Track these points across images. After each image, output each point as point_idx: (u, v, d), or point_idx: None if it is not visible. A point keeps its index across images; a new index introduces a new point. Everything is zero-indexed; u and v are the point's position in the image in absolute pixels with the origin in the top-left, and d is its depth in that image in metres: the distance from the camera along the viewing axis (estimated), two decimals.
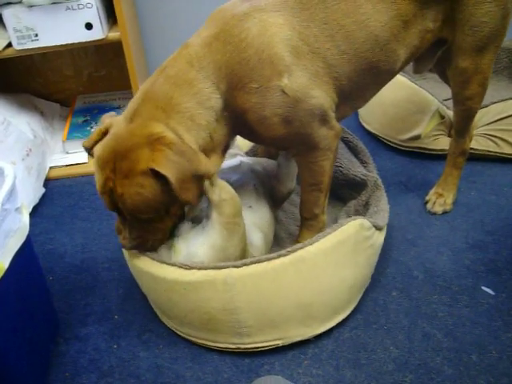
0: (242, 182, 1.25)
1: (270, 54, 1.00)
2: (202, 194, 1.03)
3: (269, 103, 1.02)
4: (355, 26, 1.06)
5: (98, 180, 1.01)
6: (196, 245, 1.07)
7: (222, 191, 1.05)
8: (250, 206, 1.20)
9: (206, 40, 1.02)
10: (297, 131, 1.07)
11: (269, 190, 1.29)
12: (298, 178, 1.27)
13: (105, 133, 1.02)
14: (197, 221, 1.12)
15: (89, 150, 1.05)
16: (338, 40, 1.05)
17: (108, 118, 1.05)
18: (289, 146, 1.15)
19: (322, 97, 1.06)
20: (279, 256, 1.04)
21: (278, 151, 1.36)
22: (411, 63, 1.31)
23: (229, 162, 1.31)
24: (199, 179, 0.98)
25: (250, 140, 1.20)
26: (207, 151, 1.04)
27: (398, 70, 1.20)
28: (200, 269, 1.04)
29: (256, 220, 1.19)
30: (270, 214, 1.26)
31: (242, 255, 1.10)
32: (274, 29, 1.01)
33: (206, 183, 1.03)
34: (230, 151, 1.43)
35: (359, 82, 1.13)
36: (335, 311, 1.15)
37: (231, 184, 1.09)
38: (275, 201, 1.31)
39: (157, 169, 0.93)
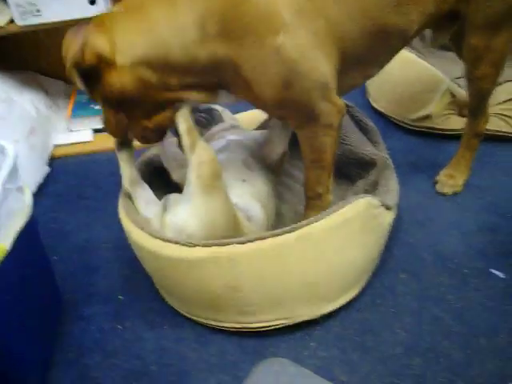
0: (229, 159, 1.22)
1: (267, 10, 0.96)
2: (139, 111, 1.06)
3: (262, 61, 0.98)
4: None
5: None
6: (182, 215, 1.06)
7: (202, 151, 1.03)
8: (244, 180, 1.18)
9: None
10: (294, 98, 1.03)
11: (263, 161, 1.26)
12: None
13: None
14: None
15: None
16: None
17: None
18: (287, 116, 1.11)
19: (322, 60, 1.02)
20: (284, 232, 1.02)
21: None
22: (429, 34, 1.26)
23: (216, 142, 1.28)
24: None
25: (245, 99, 1.12)
26: (161, 69, 1.01)
27: (412, 36, 1.16)
28: (204, 246, 1.02)
29: (253, 191, 1.17)
30: (268, 185, 1.24)
31: (234, 227, 1.08)
32: None
33: (186, 142, 1.03)
34: (225, 125, 1.41)
35: (367, 46, 1.08)
36: (342, 291, 1.13)
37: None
38: (270, 169, 1.28)
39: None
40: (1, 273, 0.89)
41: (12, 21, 1.63)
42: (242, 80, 1.02)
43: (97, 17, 1.02)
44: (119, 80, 1.00)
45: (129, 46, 0.98)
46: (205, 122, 1.42)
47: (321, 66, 1.02)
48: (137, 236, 1.11)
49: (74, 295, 1.26)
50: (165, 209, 1.09)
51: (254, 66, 0.99)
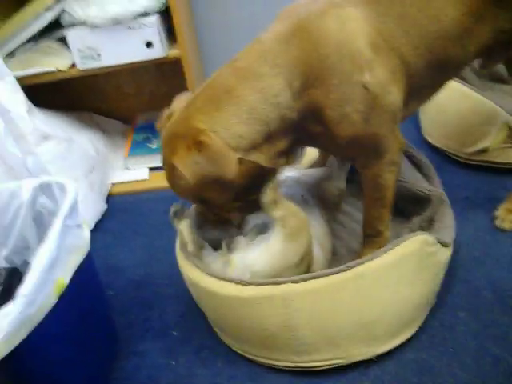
0: (288, 194, 1.22)
1: (350, 50, 0.97)
2: (234, 196, 1.04)
3: (350, 99, 0.99)
4: (428, 20, 1.03)
5: None
6: (254, 254, 1.05)
7: (285, 208, 1.04)
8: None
9: (282, 36, 1.00)
10: (373, 132, 1.03)
11: (320, 197, 1.26)
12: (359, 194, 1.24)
13: (169, 116, 1.08)
14: (252, 235, 1.11)
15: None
16: (413, 35, 1.02)
17: (177, 100, 1.11)
18: (358, 154, 1.10)
19: (397, 94, 1.04)
20: (339, 271, 1.01)
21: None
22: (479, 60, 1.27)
23: (288, 175, 1.29)
24: (226, 183, 0.98)
25: (319, 146, 1.16)
26: (262, 145, 1.02)
27: (466, 65, 1.17)
28: (258, 285, 1.02)
29: (315, 234, 1.17)
30: (324, 223, 1.24)
31: (304, 265, 1.08)
32: (353, 24, 0.99)
33: (268, 200, 1.02)
34: None
35: (428, 78, 1.10)
36: (398, 330, 1.10)
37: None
38: (328, 206, 1.28)
39: (178, 167, 0.97)
40: (59, 307, 0.91)
41: (73, 65, 1.70)
42: (321, 124, 1.02)
43: (190, 119, 1.00)
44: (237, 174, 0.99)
45: (236, 140, 0.98)
46: None
47: (397, 101, 1.04)
48: (191, 273, 1.12)
49: (129, 330, 1.27)
50: (229, 248, 1.10)
51: (339, 105, 0.99)
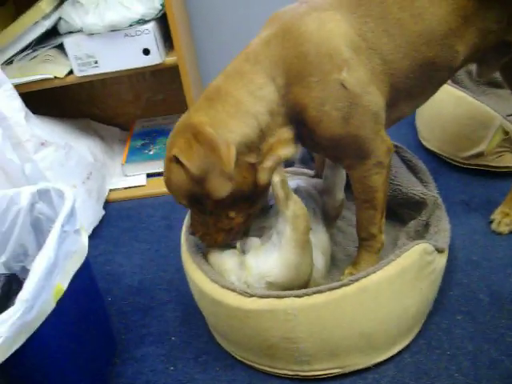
0: None
1: (328, 48, 1.00)
2: (253, 193, 1.06)
3: (328, 97, 1.01)
4: (411, 20, 1.04)
5: None
6: (269, 263, 1.06)
7: (295, 206, 1.05)
8: (311, 229, 1.19)
9: (265, 39, 1.04)
10: (354, 133, 1.04)
11: (322, 209, 1.27)
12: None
13: None
14: (264, 235, 1.12)
15: None
16: (394, 34, 1.04)
17: None
18: (342, 155, 1.11)
19: (377, 94, 1.05)
20: (341, 286, 1.01)
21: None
22: (475, 67, 1.28)
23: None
24: (226, 172, 0.98)
25: (308, 146, 1.17)
26: (256, 144, 1.04)
27: (458, 67, 1.16)
28: (261, 297, 1.03)
29: (317, 242, 1.17)
30: (327, 235, 1.25)
31: (308, 276, 1.09)
32: (331, 24, 1.01)
33: (281, 196, 1.04)
34: (297, 169, 1.43)
35: (416, 79, 1.10)
36: (397, 339, 1.11)
37: None
38: (329, 217, 1.29)
39: (177, 156, 1.00)
40: (57, 312, 0.91)
41: (71, 72, 1.71)
42: (308, 122, 1.04)
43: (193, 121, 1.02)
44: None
45: (228, 135, 1.00)
46: None
47: (378, 101, 1.05)
48: (196, 277, 1.13)
49: (128, 336, 1.28)
50: (243, 250, 1.11)
51: (320, 103, 1.01)
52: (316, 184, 1.34)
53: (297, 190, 1.27)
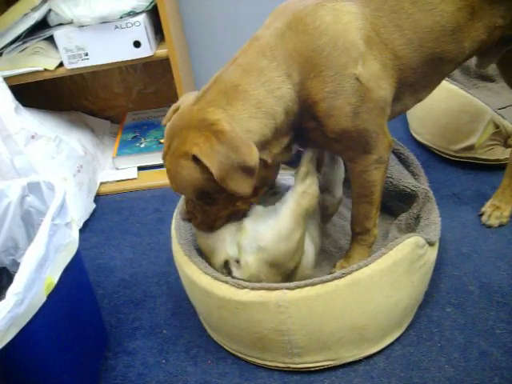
0: None
1: (345, 42, 0.99)
2: (260, 185, 1.05)
3: (343, 91, 1.00)
4: (422, 15, 1.04)
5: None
6: (263, 227, 1.06)
7: (309, 185, 1.07)
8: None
9: (278, 30, 1.01)
10: (362, 127, 1.04)
11: (319, 205, 1.27)
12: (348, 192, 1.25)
13: (176, 111, 1.06)
14: (271, 202, 1.12)
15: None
16: (406, 29, 1.03)
17: (184, 96, 1.09)
18: (344, 148, 1.10)
19: (387, 90, 1.05)
20: (334, 279, 1.02)
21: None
22: (474, 58, 1.28)
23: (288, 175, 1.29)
24: (249, 171, 0.97)
25: (308, 144, 1.14)
26: (270, 142, 1.03)
27: (462, 61, 1.17)
28: (253, 289, 1.03)
29: (310, 231, 1.17)
30: (320, 226, 1.25)
31: (298, 258, 1.09)
32: (348, 17, 1.00)
33: (303, 170, 1.07)
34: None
35: (423, 73, 1.10)
36: (388, 332, 1.12)
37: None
38: (326, 214, 1.29)
39: (198, 156, 0.95)
40: (48, 305, 0.91)
41: (61, 64, 1.70)
42: (318, 116, 1.03)
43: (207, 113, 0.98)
44: None
45: (247, 135, 0.98)
46: None
47: (387, 96, 1.05)
48: (188, 269, 1.13)
49: (119, 329, 1.28)
50: (245, 215, 1.11)
51: (333, 97, 1.00)
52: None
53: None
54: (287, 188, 1.16)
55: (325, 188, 1.28)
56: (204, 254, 1.16)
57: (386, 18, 1.02)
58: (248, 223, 1.09)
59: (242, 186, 0.98)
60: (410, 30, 1.04)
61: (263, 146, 1.02)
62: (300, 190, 1.07)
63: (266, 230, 1.06)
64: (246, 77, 1.00)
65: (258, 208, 1.11)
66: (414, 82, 1.11)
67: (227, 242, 1.10)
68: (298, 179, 1.09)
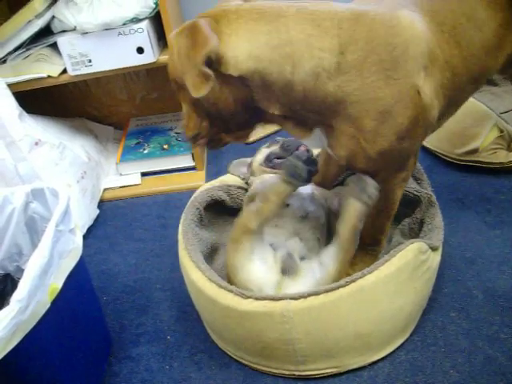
0: (317, 215, 1.22)
1: (415, 50, 0.93)
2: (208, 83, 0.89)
3: (401, 100, 0.93)
4: (474, 31, 1.01)
5: None
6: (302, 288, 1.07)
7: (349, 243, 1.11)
8: (319, 238, 1.19)
9: (354, 11, 0.92)
10: (403, 147, 0.99)
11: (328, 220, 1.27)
12: None
13: None
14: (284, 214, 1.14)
15: None
16: (463, 46, 1.00)
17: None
18: (379, 168, 1.04)
19: (437, 109, 1.00)
20: (338, 287, 1.01)
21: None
22: None
23: (301, 188, 1.21)
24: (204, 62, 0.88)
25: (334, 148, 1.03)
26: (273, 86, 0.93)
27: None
28: (257, 299, 1.03)
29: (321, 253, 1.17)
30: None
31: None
32: (421, 26, 0.95)
33: (350, 224, 1.09)
34: None
35: (466, 92, 1.08)
36: (392, 338, 1.11)
37: (307, 214, 1.16)
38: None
39: (171, 36, 0.95)
40: (52, 312, 0.91)
41: (64, 71, 1.70)
42: (353, 125, 0.96)
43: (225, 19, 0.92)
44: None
45: (247, 54, 0.90)
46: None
47: (435, 116, 1.01)
48: (193, 275, 1.13)
49: (123, 335, 1.27)
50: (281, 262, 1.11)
51: (390, 103, 0.93)
52: (326, 195, 1.31)
53: (313, 197, 1.26)
54: (299, 199, 1.15)
55: (336, 216, 1.23)
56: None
57: (447, 33, 0.98)
58: (287, 283, 1.09)
59: (193, 72, 0.88)
60: (465, 47, 1.00)
61: (263, 79, 0.92)
62: (346, 238, 1.09)
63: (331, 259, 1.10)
64: (297, 21, 0.90)
65: (295, 260, 1.12)
66: (456, 101, 1.07)
67: (266, 288, 1.09)
68: (342, 237, 1.10)
